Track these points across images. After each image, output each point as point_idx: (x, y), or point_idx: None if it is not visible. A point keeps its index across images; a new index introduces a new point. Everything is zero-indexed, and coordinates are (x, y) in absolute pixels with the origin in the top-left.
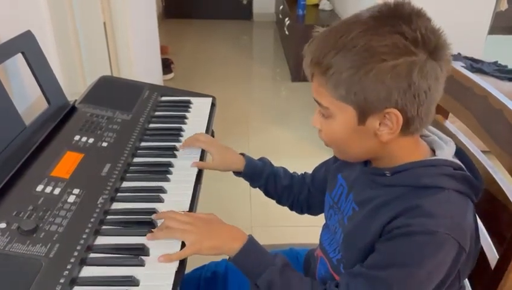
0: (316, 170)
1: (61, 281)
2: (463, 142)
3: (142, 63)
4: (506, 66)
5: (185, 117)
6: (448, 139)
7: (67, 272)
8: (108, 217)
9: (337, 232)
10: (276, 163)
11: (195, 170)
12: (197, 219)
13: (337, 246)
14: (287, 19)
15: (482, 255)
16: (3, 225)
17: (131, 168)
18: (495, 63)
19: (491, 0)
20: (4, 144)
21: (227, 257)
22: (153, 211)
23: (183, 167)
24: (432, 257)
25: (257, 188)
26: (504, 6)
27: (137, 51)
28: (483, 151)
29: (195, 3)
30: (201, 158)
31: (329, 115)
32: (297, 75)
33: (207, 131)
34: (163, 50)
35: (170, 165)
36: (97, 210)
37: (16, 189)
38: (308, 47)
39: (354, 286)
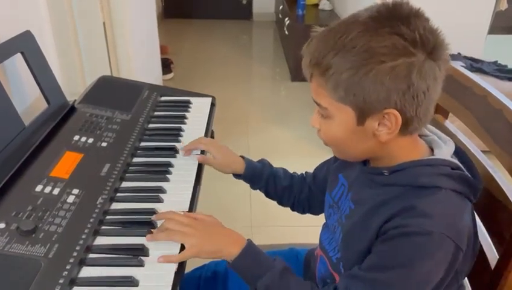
0: (318, 169)
1: (61, 281)
2: (463, 141)
3: (141, 63)
4: (506, 66)
5: (184, 117)
6: (448, 139)
7: (66, 272)
8: (108, 217)
9: (336, 231)
10: (275, 163)
11: (195, 170)
12: (197, 221)
13: (337, 245)
14: (286, 18)
15: (481, 255)
16: (2, 225)
17: (130, 168)
18: (495, 62)
19: (491, 0)
20: (3, 144)
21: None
22: (152, 211)
23: (183, 167)
24: (429, 257)
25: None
26: (504, 6)
27: (137, 51)
28: (483, 151)
29: (195, 3)
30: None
31: (328, 116)
32: (297, 75)
33: (207, 131)
34: (162, 50)
35: (170, 165)
36: (96, 210)
37: (15, 189)
38: (307, 47)
39: (353, 289)
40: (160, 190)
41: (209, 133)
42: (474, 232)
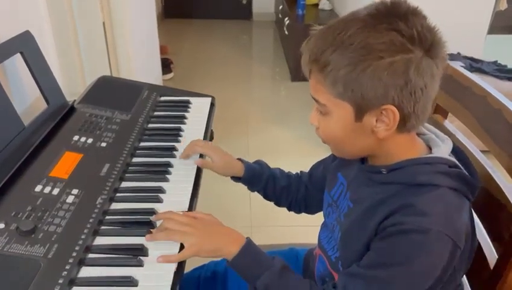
0: (314, 168)
1: (60, 281)
2: (462, 141)
3: (141, 63)
4: (505, 66)
5: (184, 117)
6: (445, 137)
7: (65, 272)
8: (107, 217)
9: (335, 230)
10: (275, 163)
11: (195, 170)
12: (196, 220)
13: (335, 244)
14: (286, 18)
15: (481, 254)
16: (1, 226)
17: (130, 168)
18: (494, 62)
19: (490, 0)
20: (3, 145)
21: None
22: (152, 212)
23: (182, 167)
24: (427, 254)
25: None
26: (504, 6)
27: (137, 51)
28: (482, 151)
29: (195, 3)
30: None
31: (327, 112)
32: (297, 75)
33: (206, 131)
34: (162, 50)
35: (169, 165)
36: (96, 210)
37: (15, 189)
38: (306, 45)
39: (352, 287)
40: (160, 190)
41: (208, 133)
42: (472, 230)
